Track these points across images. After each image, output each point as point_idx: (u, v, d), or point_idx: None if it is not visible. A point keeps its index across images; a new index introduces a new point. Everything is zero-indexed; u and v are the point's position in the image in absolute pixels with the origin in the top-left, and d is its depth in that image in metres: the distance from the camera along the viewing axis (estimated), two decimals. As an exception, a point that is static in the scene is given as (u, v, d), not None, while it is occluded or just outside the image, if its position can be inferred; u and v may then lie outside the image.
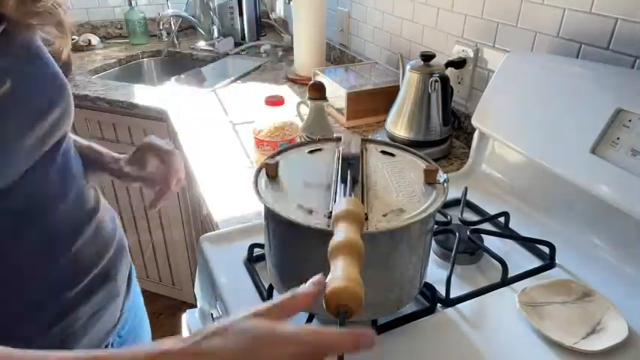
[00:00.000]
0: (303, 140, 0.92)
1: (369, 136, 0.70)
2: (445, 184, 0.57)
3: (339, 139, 0.67)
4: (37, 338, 0.55)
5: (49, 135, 0.55)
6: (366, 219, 0.51)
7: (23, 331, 0.54)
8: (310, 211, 0.53)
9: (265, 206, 0.55)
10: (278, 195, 0.57)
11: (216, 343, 0.33)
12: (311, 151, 0.67)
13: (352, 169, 0.57)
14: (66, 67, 0.61)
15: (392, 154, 0.65)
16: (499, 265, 0.70)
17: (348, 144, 0.60)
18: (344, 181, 0.56)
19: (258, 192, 0.56)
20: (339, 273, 0.37)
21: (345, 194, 0.53)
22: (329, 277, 0.38)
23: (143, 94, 1.51)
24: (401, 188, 0.58)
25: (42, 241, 0.55)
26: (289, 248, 0.57)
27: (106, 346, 0.66)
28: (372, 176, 0.60)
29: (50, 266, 0.56)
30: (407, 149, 0.66)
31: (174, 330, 1.76)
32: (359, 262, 0.39)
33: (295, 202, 0.55)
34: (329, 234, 0.43)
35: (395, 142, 0.93)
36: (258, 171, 0.60)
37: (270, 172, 0.60)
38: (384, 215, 0.52)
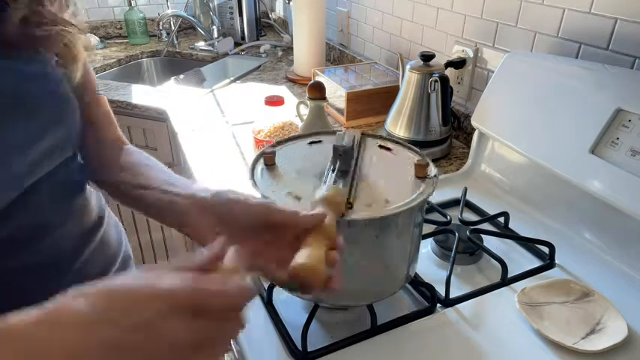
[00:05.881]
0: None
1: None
2: (435, 179, 0.58)
3: (334, 132, 0.69)
4: None
5: (44, 161, 0.51)
6: (350, 207, 0.53)
7: None
8: (299, 198, 0.55)
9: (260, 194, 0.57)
10: (271, 183, 0.59)
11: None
12: (311, 143, 0.68)
13: (343, 161, 0.59)
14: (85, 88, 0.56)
15: (389, 149, 0.66)
16: (499, 265, 0.70)
17: (342, 137, 0.62)
18: (335, 171, 0.59)
19: (253, 179, 0.59)
20: (306, 252, 0.41)
21: (333, 183, 0.56)
22: (297, 255, 0.41)
23: (143, 94, 1.51)
24: (391, 181, 0.59)
25: (40, 264, 0.52)
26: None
27: None
28: (365, 168, 0.61)
29: (51, 286, 0.54)
30: (404, 144, 0.67)
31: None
32: (325, 244, 0.43)
33: (286, 189, 0.57)
34: None
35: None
36: (255, 160, 0.63)
37: (268, 161, 0.62)
38: (368, 205, 0.54)
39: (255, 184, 0.58)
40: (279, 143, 0.68)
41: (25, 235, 0.51)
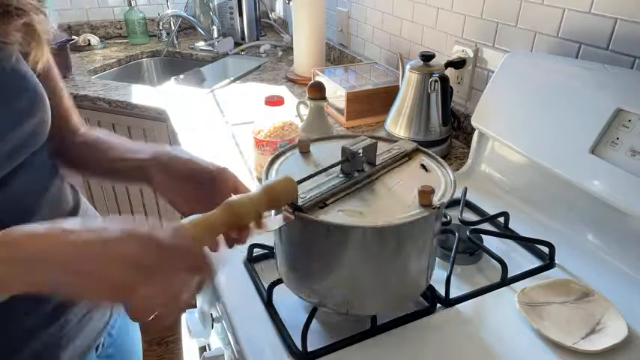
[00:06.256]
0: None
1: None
2: (435, 210, 0.53)
3: (394, 141, 0.67)
4: (28, 341, 0.54)
5: (18, 151, 0.52)
6: (322, 207, 0.53)
7: (11, 337, 0.53)
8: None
9: None
10: (284, 172, 0.60)
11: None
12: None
13: (348, 164, 0.58)
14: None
15: (427, 170, 0.62)
16: (499, 265, 0.70)
17: (359, 141, 0.60)
18: (343, 172, 0.58)
19: (269, 166, 0.60)
20: (195, 216, 0.44)
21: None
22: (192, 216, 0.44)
23: (143, 94, 1.51)
24: (392, 198, 0.55)
25: None
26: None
27: (97, 346, 0.65)
28: (382, 179, 0.59)
29: None
30: (446, 167, 0.61)
31: (173, 330, 1.76)
32: (224, 218, 0.45)
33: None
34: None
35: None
36: (278, 154, 0.64)
37: (303, 148, 0.64)
38: (340, 210, 0.53)
39: (269, 168, 0.60)
40: (322, 139, 0.68)
41: (2, 222, 0.52)
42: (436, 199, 0.54)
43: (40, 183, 0.58)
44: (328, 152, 0.64)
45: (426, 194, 0.53)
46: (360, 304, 0.58)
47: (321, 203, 0.53)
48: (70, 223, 0.40)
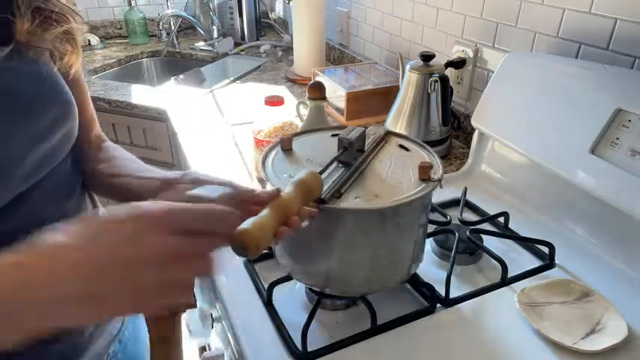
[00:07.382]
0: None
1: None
2: (437, 182, 0.57)
3: (365, 127, 0.70)
4: (43, 351, 0.54)
5: (47, 160, 0.52)
6: (339, 197, 0.55)
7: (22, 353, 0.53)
8: None
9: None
10: (279, 166, 0.61)
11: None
12: (334, 135, 0.68)
13: (347, 153, 0.60)
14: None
15: (407, 149, 0.66)
16: (498, 265, 0.70)
17: (350, 131, 0.62)
18: (340, 162, 0.60)
19: (264, 161, 0.61)
20: (253, 219, 0.43)
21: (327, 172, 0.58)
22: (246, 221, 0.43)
23: (143, 94, 1.51)
24: (393, 179, 0.58)
25: None
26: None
27: (108, 355, 0.65)
28: (373, 164, 0.62)
29: None
30: (425, 146, 0.67)
31: (174, 330, 1.76)
32: (277, 217, 0.45)
33: (289, 172, 0.59)
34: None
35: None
36: (273, 146, 0.65)
37: (285, 145, 0.64)
38: (357, 197, 0.55)
39: (263, 165, 0.60)
40: (304, 132, 0.70)
41: (24, 233, 0.52)
42: (432, 173, 0.59)
43: (64, 190, 0.57)
44: (308, 146, 0.66)
45: (425, 169, 0.58)
46: (378, 282, 0.60)
47: (337, 194, 0.55)
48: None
